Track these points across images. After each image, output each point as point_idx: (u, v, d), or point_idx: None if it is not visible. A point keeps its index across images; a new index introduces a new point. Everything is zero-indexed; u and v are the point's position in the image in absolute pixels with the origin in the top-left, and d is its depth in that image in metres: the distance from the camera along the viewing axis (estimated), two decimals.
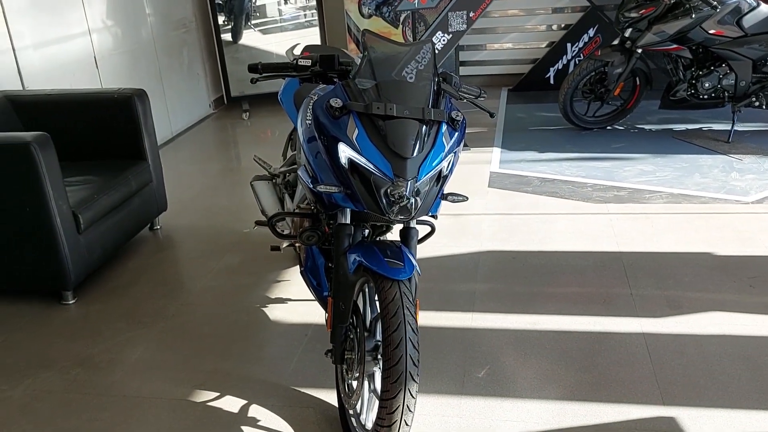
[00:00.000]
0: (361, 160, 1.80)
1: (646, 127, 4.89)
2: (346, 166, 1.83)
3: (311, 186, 2.01)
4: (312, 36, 6.17)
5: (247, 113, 6.03)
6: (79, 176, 3.25)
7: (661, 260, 3.04)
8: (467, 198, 2.03)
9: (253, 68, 2.08)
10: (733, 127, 4.47)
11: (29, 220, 2.85)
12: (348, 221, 1.97)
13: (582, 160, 4.31)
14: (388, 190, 1.79)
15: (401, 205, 1.80)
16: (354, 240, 1.98)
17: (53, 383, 2.49)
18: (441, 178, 1.89)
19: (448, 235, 3.40)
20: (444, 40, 5.13)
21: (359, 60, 1.94)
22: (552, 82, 5.89)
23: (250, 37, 6.14)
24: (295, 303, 2.91)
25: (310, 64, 2.03)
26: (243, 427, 2.20)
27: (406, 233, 2.00)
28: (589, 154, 4.41)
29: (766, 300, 2.69)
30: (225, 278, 3.18)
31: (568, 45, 5.77)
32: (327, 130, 1.87)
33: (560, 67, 5.85)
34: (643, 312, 2.66)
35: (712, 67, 4.40)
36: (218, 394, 2.37)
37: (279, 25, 6.18)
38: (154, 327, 2.82)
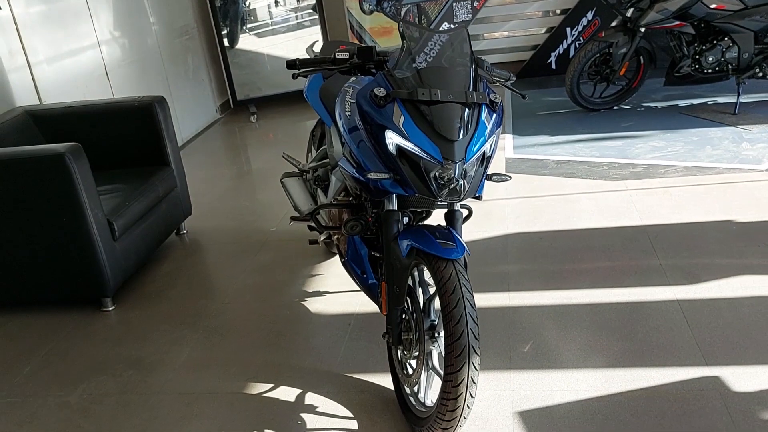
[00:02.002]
0: (409, 145, 1.86)
1: (653, 104, 4.96)
2: (395, 153, 1.89)
3: (357, 175, 2.07)
4: (313, 35, 6.22)
5: (255, 116, 6.08)
6: (108, 185, 3.30)
7: (685, 231, 3.12)
8: (510, 177, 2.10)
9: (291, 64, 2.14)
10: (738, 98, 4.55)
11: (67, 230, 2.91)
12: (395, 208, 2.04)
13: (594, 140, 4.38)
14: (438, 174, 1.85)
15: (450, 187, 1.86)
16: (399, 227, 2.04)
17: (108, 386, 2.55)
18: (485, 159, 1.95)
19: (474, 221, 3.46)
20: (429, 39, 5.18)
21: (397, 50, 2.01)
22: (554, 67, 5.96)
23: (246, 42, 6.19)
24: (334, 295, 2.98)
25: (348, 57, 2.09)
26: (302, 414, 2.26)
27: (452, 216, 2.07)
28: (599, 134, 4.48)
29: None
30: (260, 276, 3.24)
31: (568, 29, 5.85)
32: (372, 119, 1.93)
33: (561, 52, 5.92)
34: (674, 280, 2.74)
35: (715, 42, 4.48)
36: (272, 385, 2.44)
37: (275, 27, 6.22)
38: (197, 327, 2.88)
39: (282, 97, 6.24)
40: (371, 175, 1.92)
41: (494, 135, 1.99)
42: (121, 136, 3.56)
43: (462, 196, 1.89)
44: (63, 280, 3.03)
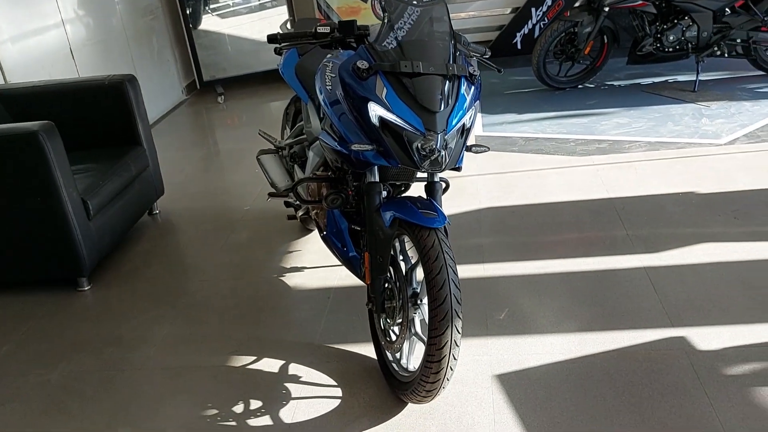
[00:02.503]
0: (392, 117, 1.91)
1: (616, 83, 5.10)
2: (377, 124, 1.94)
3: (339, 147, 2.11)
4: (279, 15, 6.18)
5: (222, 96, 6.03)
6: (81, 164, 3.27)
7: (650, 202, 3.24)
8: (489, 148, 2.17)
9: (272, 38, 2.16)
10: (697, 77, 4.70)
11: (41, 209, 2.88)
12: (377, 179, 2.08)
13: (560, 118, 4.49)
14: (420, 144, 1.90)
15: (432, 158, 1.91)
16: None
17: (89, 364, 2.55)
18: (465, 131, 2.01)
19: (447, 196, 3.53)
20: (410, 12, 5.21)
21: (378, 24, 2.04)
22: (519, 47, 6.05)
23: (210, 22, 6.13)
24: (312, 270, 3.02)
25: (329, 31, 2.11)
26: (287, 384, 2.31)
27: (431, 187, 2.12)
28: (566, 111, 4.59)
29: (750, 229, 2.91)
30: (237, 253, 3.26)
31: (533, 9, 5.93)
32: (355, 91, 1.97)
33: (526, 32, 6.01)
34: (641, 249, 2.85)
35: (676, 21, 4.61)
36: (255, 358, 2.48)
37: (237, 8, 6.17)
38: (177, 304, 2.89)
39: (249, 78, 6.21)
40: (355, 146, 1.96)
41: (473, 107, 2.04)
42: (92, 116, 3.52)
43: (443, 167, 1.95)
44: (38, 261, 3.00)
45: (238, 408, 2.23)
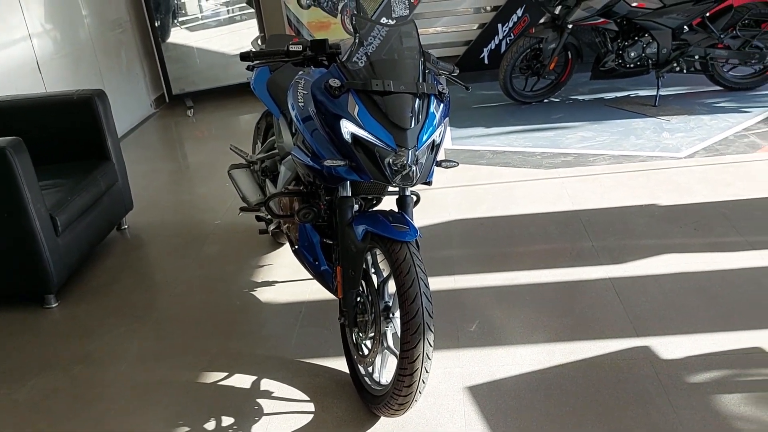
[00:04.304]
0: (364, 133, 1.95)
1: (580, 97, 5.22)
2: (350, 141, 1.97)
3: (311, 163, 2.14)
4: (248, 30, 6.20)
5: (192, 110, 6.01)
6: (49, 180, 3.23)
7: (614, 214, 3.33)
8: (458, 163, 2.22)
9: (245, 56, 2.19)
10: (658, 91, 4.85)
11: (8, 225, 2.84)
12: (349, 194, 2.12)
13: (526, 131, 4.58)
14: (392, 160, 1.94)
15: (404, 173, 1.95)
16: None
17: (58, 381, 2.52)
18: (435, 147, 2.06)
19: (416, 208, 3.57)
20: (380, 32, 5.28)
21: (349, 43, 2.08)
22: (486, 62, 6.15)
23: (179, 35, 6.12)
24: (284, 284, 3.03)
25: (301, 49, 2.15)
26: (259, 400, 2.32)
27: (403, 201, 2.16)
28: (532, 125, 4.68)
29: (709, 240, 3.01)
30: (208, 268, 3.25)
31: (499, 26, 6.04)
32: (327, 109, 2.00)
33: (493, 47, 6.12)
34: (606, 260, 2.93)
35: (636, 38, 4.75)
36: (227, 373, 2.48)
37: (206, 21, 6.17)
38: (147, 319, 2.87)
39: (218, 91, 6.20)
40: (328, 163, 1.99)
41: (443, 124, 2.09)
42: (60, 130, 3.48)
43: (414, 182, 1.99)
44: (4, 277, 2.96)
45: (210, 425, 2.22)
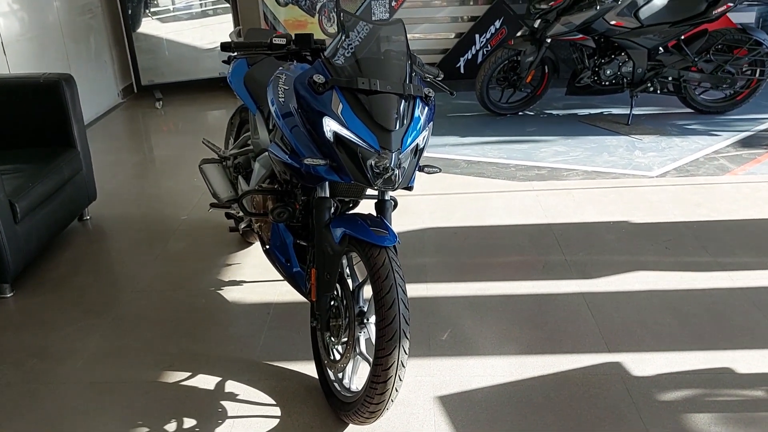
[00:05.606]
0: (347, 133, 1.89)
1: (554, 112, 5.25)
2: (332, 140, 1.91)
3: (289, 161, 2.07)
4: (222, 24, 6.09)
5: (160, 102, 5.87)
6: (9, 164, 3.10)
7: (587, 229, 3.34)
8: (440, 169, 2.18)
9: (226, 46, 2.11)
10: (631, 110, 4.90)
11: None
12: (327, 195, 2.06)
13: (501, 143, 4.58)
14: (374, 162, 1.89)
15: (386, 176, 1.90)
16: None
17: (10, 376, 2.40)
18: (418, 151, 2.01)
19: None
20: (367, 29, 5.24)
21: (335, 38, 2.03)
22: (462, 71, 6.15)
23: (150, 26, 5.98)
24: (251, 284, 2.95)
25: (285, 43, 2.08)
26: (223, 402, 2.23)
27: (382, 205, 2.11)
28: (506, 137, 4.69)
29: (680, 259, 3.03)
30: (173, 264, 3.15)
31: (477, 36, 6.06)
32: (310, 105, 1.94)
33: (470, 57, 6.12)
34: (579, 274, 2.92)
35: (613, 56, 4.80)
36: (190, 374, 2.39)
37: (178, 13, 6.05)
38: (108, 315, 2.76)
39: (188, 84, 6.07)
40: (308, 161, 1.93)
41: (427, 128, 2.05)
42: (24, 115, 3.35)
43: (396, 185, 1.94)
44: None
45: (171, 426, 2.13)
